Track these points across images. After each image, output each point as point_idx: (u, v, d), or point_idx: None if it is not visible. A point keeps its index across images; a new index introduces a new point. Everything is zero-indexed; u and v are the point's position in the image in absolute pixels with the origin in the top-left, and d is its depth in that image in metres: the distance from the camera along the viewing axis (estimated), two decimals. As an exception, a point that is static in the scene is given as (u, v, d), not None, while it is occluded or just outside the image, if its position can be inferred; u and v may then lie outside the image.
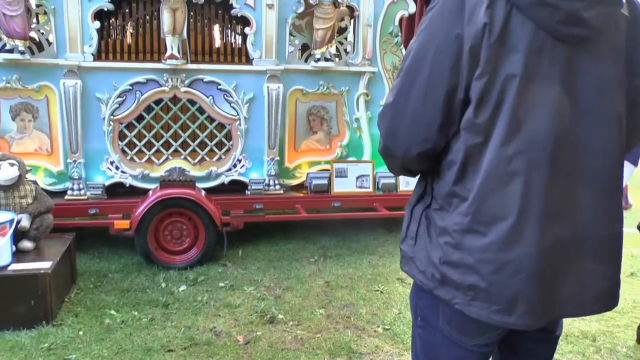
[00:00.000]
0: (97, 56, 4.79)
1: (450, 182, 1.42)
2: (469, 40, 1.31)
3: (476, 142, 1.36)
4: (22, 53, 4.60)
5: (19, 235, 3.80)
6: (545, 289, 1.39)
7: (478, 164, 1.37)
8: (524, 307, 1.37)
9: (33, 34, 4.82)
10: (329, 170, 5.26)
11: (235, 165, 5.14)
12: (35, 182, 4.40)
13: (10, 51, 4.58)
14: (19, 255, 3.76)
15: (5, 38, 4.58)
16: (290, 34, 5.13)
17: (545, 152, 1.34)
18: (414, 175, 1.60)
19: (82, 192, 4.81)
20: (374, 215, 5.24)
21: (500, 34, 1.30)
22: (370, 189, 5.26)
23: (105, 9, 4.76)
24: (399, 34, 5.34)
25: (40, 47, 4.80)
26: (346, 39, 5.37)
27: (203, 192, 4.81)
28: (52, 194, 4.49)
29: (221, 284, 4.30)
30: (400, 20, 5.31)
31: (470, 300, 1.40)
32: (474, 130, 1.35)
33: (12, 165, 3.87)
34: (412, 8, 5.27)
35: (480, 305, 1.39)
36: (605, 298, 1.48)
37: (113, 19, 5.01)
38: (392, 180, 5.23)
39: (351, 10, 5.23)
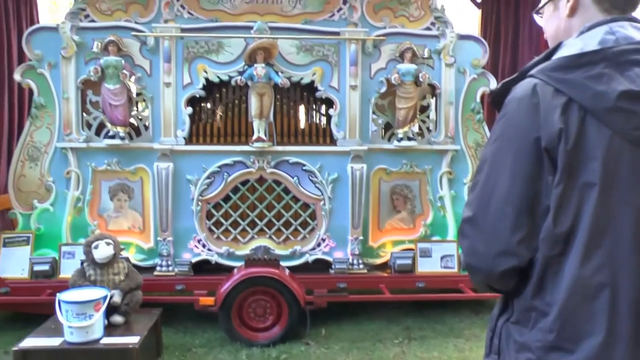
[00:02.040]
0: (188, 139, 5.06)
1: (529, 295, 1.36)
2: (546, 143, 1.28)
3: (554, 253, 1.30)
4: (122, 139, 4.94)
5: (110, 310, 3.93)
6: None
7: (557, 277, 1.30)
8: None
9: (132, 120, 5.17)
10: (413, 249, 5.19)
11: (319, 245, 5.18)
12: (127, 259, 4.57)
13: (112, 137, 4.94)
14: (110, 329, 3.88)
15: (109, 125, 4.95)
16: (373, 114, 5.23)
17: (630, 263, 1.27)
18: (501, 294, 1.50)
19: (170, 268, 4.98)
20: (460, 297, 5.08)
21: (575, 140, 1.26)
22: (456, 269, 5.11)
23: (197, 95, 5.06)
24: (481, 110, 5.34)
25: (137, 132, 5.14)
26: (428, 117, 5.41)
27: (287, 271, 4.84)
28: (141, 269, 4.68)
29: (304, 363, 4.25)
30: (482, 96, 5.33)
31: None
32: (552, 241, 1.30)
33: (108, 244, 4.08)
34: (494, 84, 5.27)
35: None
36: None
37: (204, 104, 5.29)
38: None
39: (432, 88, 5.29)
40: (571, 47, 1.36)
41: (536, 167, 1.30)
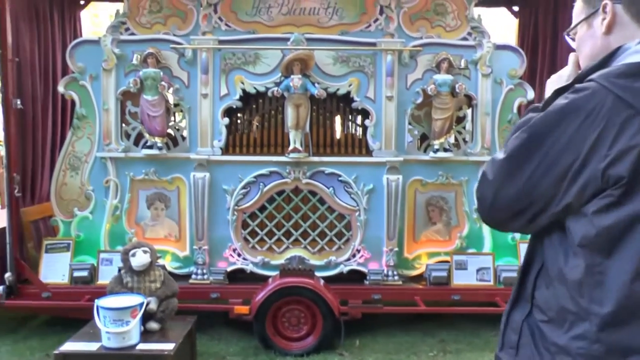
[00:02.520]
0: (225, 150, 5.11)
1: (565, 297, 1.33)
2: (602, 160, 1.23)
3: (597, 262, 1.27)
4: (160, 149, 5.03)
5: (146, 317, 3.98)
6: None
7: (599, 285, 1.27)
8: None
9: (170, 131, 5.25)
10: (448, 261, 5.14)
11: (354, 255, 5.17)
12: (163, 267, 4.65)
13: (150, 147, 5.03)
14: (145, 335, 3.92)
15: (147, 135, 5.05)
16: (409, 124, 5.21)
17: None
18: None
19: (206, 276, 5.04)
20: (496, 310, 4.97)
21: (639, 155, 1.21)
22: (491, 283, 5.04)
23: (234, 106, 5.12)
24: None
25: (175, 142, 5.23)
26: (464, 128, 5.35)
27: (322, 281, 4.85)
28: (177, 277, 4.74)
29: (337, 374, 4.23)
30: (519, 107, 5.25)
31: None
32: (594, 249, 1.27)
33: (145, 252, 4.12)
34: (531, 95, 5.20)
35: None
36: None
37: (240, 115, 5.35)
38: (514, 274, 5.00)
39: (469, 99, 5.24)
40: (638, 54, 1.30)
41: (560, 178, 1.27)
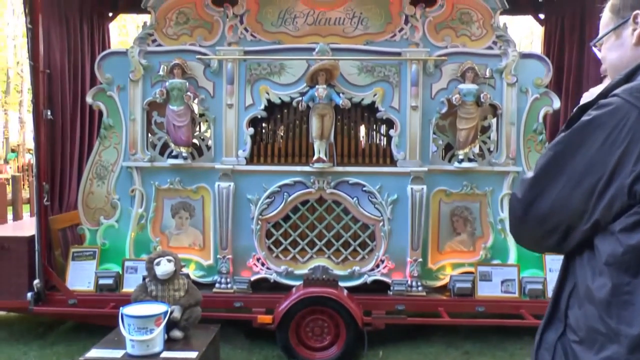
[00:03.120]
0: (249, 159, 5.14)
1: (595, 317, 1.31)
2: (628, 176, 1.22)
3: (624, 282, 1.25)
4: (185, 158, 5.07)
5: (170, 325, 4.01)
6: None
7: (627, 305, 1.25)
8: None
9: (195, 140, 5.30)
10: (472, 273, 5.08)
11: (378, 266, 5.14)
12: (187, 276, 4.68)
13: (176, 157, 5.08)
14: (169, 343, 3.94)
15: (172, 145, 5.10)
16: (434, 134, 5.18)
17: None
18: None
19: (229, 285, 5.06)
20: (521, 323, 4.91)
21: None
22: (516, 295, 4.98)
23: (259, 116, 5.15)
24: (544, 131, 5.20)
25: (200, 152, 5.27)
26: (489, 137, 5.31)
27: (345, 292, 4.83)
28: (201, 285, 4.76)
29: (360, 385, 4.21)
30: (545, 116, 5.20)
31: None
32: (621, 268, 1.25)
33: (169, 261, 4.16)
34: (557, 104, 5.14)
35: None
36: None
37: (265, 125, 5.38)
38: (540, 286, 4.94)
39: (494, 108, 5.20)
40: None
41: (587, 195, 1.27)
